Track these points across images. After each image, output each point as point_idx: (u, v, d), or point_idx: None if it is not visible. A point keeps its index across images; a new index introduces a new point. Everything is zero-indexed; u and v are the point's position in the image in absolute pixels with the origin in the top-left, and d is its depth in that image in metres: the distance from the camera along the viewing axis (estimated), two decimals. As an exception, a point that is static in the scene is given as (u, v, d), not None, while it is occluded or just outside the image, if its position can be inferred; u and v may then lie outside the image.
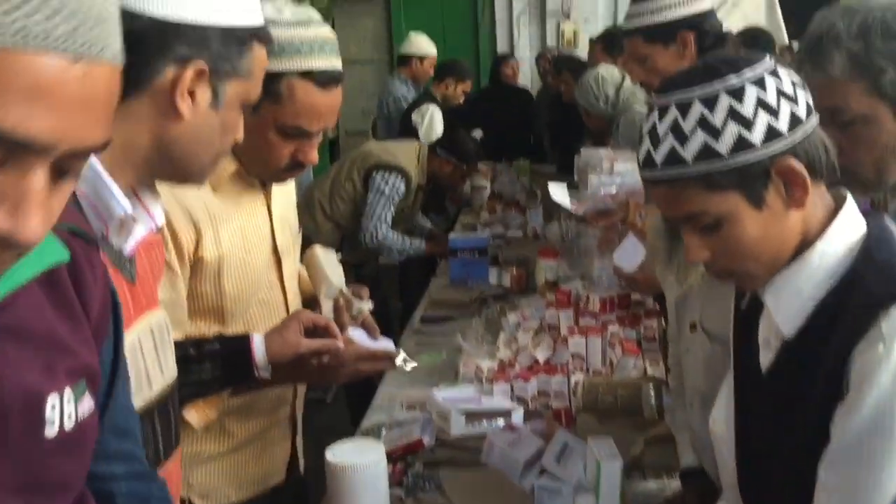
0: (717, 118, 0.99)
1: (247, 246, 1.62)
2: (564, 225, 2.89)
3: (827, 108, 1.19)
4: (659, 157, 1.02)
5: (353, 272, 3.91)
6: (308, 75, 1.46)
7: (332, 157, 6.73)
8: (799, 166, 1.00)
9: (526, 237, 4.02)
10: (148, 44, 0.97)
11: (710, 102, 1.00)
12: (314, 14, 1.57)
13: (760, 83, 1.00)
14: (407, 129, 5.16)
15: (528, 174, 5.47)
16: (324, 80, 1.49)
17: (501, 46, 7.53)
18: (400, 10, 7.73)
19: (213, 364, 1.46)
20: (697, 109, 1.00)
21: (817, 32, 1.25)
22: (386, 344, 1.77)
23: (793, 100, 1.01)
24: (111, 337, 0.85)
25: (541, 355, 2.19)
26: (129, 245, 1.01)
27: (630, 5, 2.15)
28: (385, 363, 1.73)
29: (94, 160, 0.97)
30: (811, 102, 1.03)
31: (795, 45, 6.39)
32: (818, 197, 1.04)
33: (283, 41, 1.43)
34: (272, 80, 1.36)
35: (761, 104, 0.99)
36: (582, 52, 7.18)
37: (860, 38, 1.21)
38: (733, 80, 0.99)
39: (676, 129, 1.01)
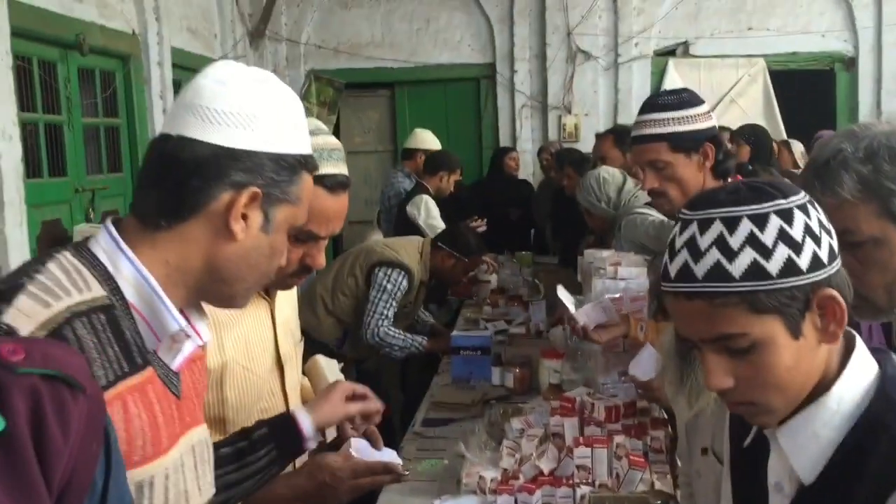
0: (768, 238, 0.97)
1: (250, 354, 1.62)
2: (569, 328, 2.87)
3: (838, 231, 1.18)
4: (701, 270, 0.98)
5: (355, 367, 3.87)
6: (319, 180, 1.47)
7: (335, 247, 6.76)
8: (841, 300, 0.98)
9: (528, 334, 3.99)
10: (207, 169, 1.03)
11: (761, 221, 0.97)
12: (321, 124, 1.62)
13: (805, 210, 0.99)
14: (403, 222, 5.20)
15: (531, 266, 5.48)
16: (333, 184, 1.53)
17: (504, 138, 7.64)
18: (404, 102, 7.88)
19: (268, 448, 1.50)
20: (747, 227, 0.97)
21: (824, 156, 1.26)
22: (389, 455, 1.74)
23: (829, 233, 1.00)
24: (97, 488, 0.79)
25: (545, 466, 2.13)
26: (178, 360, 1.07)
27: (648, 111, 2.16)
28: (386, 477, 1.70)
29: (150, 277, 1.03)
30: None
31: (794, 143, 6.48)
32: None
33: None
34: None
35: (808, 230, 0.97)
36: (583, 144, 7.29)
37: (868, 160, 1.21)
38: (782, 203, 0.98)
39: (723, 244, 0.97)
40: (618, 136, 4.39)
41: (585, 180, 3.65)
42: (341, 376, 1.82)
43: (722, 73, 7.43)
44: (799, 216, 0.98)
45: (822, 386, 1.01)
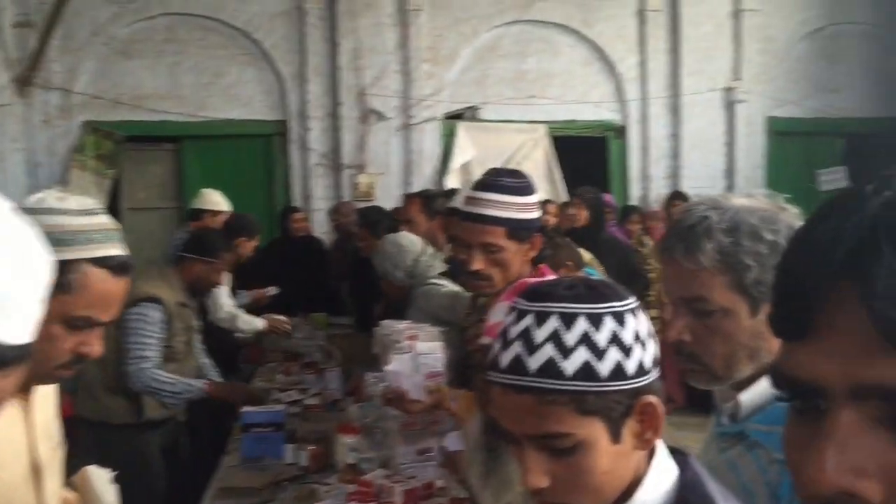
0: (602, 339, 0.96)
1: (0, 461, 1.40)
2: (366, 405, 2.78)
3: (692, 297, 1.25)
4: (534, 364, 0.96)
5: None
6: (102, 262, 1.38)
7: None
8: (661, 408, 0.99)
9: (324, 405, 3.84)
10: None
11: (597, 321, 0.97)
12: (96, 204, 1.47)
13: (635, 315, 1.00)
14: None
15: (326, 328, 5.35)
16: (117, 266, 1.40)
17: (296, 197, 7.51)
18: (192, 157, 7.54)
19: None
20: (582, 326, 0.97)
21: (689, 222, 1.27)
22: None
23: (653, 339, 1.01)
24: None
25: (342, 557, 2.02)
26: None
27: (490, 190, 2.07)
28: None
29: None
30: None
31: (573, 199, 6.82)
32: None
33: (73, 229, 1.36)
34: (61, 270, 1.23)
35: (637, 336, 0.98)
36: (379, 203, 7.31)
37: (731, 233, 1.24)
38: (617, 306, 0.98)
39: (558, 340, 0.96)
40: (426, 201, 4.38)
41: (383, 245, 3.57)
42: (112, 487, 1.61)
43: (508, 137, 7.77)
44: (630, 320, 0.98)
45: (627, 492, 1.00)
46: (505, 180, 2.09)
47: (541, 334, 0.97)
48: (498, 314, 1.91)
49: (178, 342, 3.52)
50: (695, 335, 1.21)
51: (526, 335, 0.98)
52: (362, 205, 6.95)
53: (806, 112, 8.15)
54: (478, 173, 7.60)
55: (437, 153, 7.67)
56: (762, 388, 1.26)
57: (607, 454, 0.97)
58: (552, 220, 6.55)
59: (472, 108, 7.79)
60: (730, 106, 7.95)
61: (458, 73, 7.70)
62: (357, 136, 7.49)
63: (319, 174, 7.53)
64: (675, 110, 7.90)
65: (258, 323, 4.66)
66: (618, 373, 0.96)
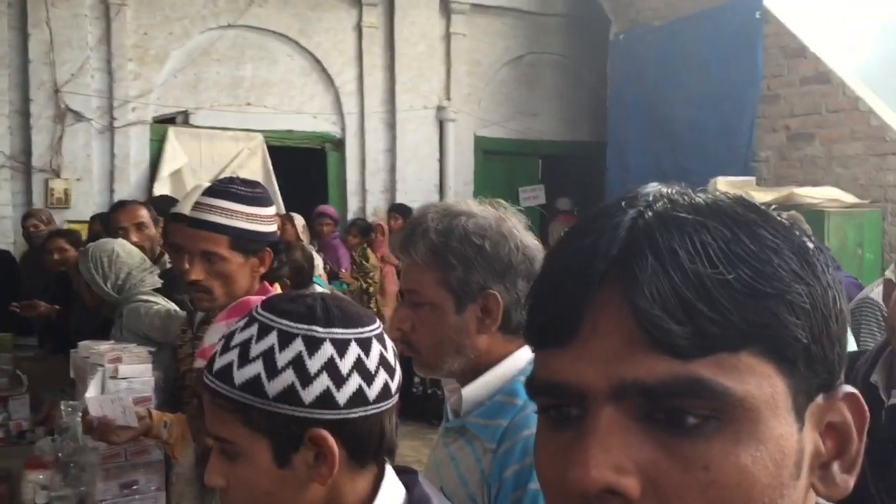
0: (281, 358, 0.95)
1: None
2: (59, 437, 2.45)
3: (408, 289, 1.37)
4: (216, 367, 0.98)
5: None
6: None
7: None
8: (333, 446, 0.96)
9: (7, 438, 3.39)
10: None
11: (285, 340, 0.96)
12: None
13: (342, 346, 0.97)
14: None
15: (11, 351, 4.74)
16: None
17: (-24, 203, 6.63)
18: None
19: None
20: (271, 340, 0.96)
21: (413, 221, 1.38)
22: None
23: (368, 378, 0.98)
24: None
25: None
26: None
27: (217, 196, 1.92)
28: None
29: None
30: (394, 387, 1.02)
31: (296, 217, 6.72)
32: (357, 478, 1.01)
33: None
34: None
35: (328, 367, 0.95)
36: (75, 212, 6.68)
37: (443, 235, 1.33)
38: (317, 332, 0.96)
39: (244, 347, 0.96)
40: (146, 207, 3.90)
41: (94, 250, 3.11)
42: None
43: (223, 145, 7.47)
44: (327, 349, 0.96)
45: None
46: (237, 188, 1.94)
47: (239, 338, 0.98)
48: (213, 336, 1.77)
49: None
50: (412, 325, 1.33)
51: (230, 336, 1.00)
52: (57, 212, 6.33)
53: (509, 133, 8.74)
54: (190, 182, 7.29)
55: (145, 159, 7.18)
56: (482, 384, 1.36)
57: (268, 476, 0.96)
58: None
59: (184, 113, 7.40)
60: (441, 124, 8.30)
61: (168, 76, 7.27)
62: (51, 138, 6.78)
63: (5, 178, 6.70)
64: (391, 125, 8.09)
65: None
66: (287, 395, 0.94)
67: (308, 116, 7.85)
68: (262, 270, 1.95)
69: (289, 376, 0.94)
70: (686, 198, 0.56)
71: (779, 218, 0.56)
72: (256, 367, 0.94)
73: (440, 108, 8.28)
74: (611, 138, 8.11)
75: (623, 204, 0.56)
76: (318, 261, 6.18)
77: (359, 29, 7.88)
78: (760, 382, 0.51)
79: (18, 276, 5.76)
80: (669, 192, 0.57)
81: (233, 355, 0.96)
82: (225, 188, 1.95)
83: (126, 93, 7.03)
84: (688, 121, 6.99)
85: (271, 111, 7.67)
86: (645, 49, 7.48)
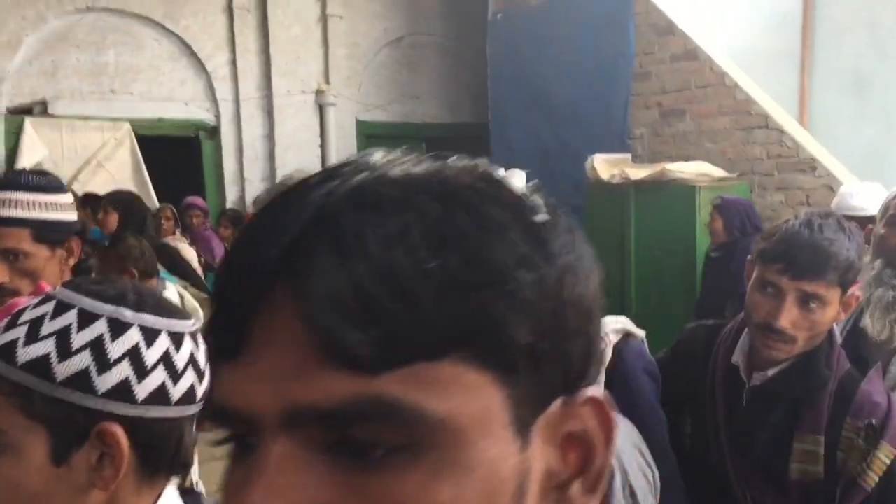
0: (78, 339, 0.81)
1: None
2: None
3: None
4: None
5: None
6: None
7: None
8: (124, 445, 0.83)
9: None
10: None
11: (86, 320, 0.82)
12: None
13: (151, 336, 0.84)
14: None
15: None
16: None
17: None
18: None
19: None
20: (69, 318, 0.82)
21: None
22: None
23: (175, 375, 0.86)
24: None
25: None
26: None
27: (9, 188, 1.75)
28: None
29: None
30: (200, 393, 0.89)
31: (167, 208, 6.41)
32: (143, 490, 0.87)
33: None
34: None
35: (132, 355, 0.82)
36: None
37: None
38: (124, 315, 0.83)
39: (35, 324, 0.83)
40: None
41: None
42: None
43: (86, 136, 7.06)
44: (133, 334, 0.83)
45: None
46: (28, 178, 1.79)
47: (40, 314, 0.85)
48: None
49: None
50: None
51: (20, 317, 0.85)
52: None
53: (392, 116, 8.61)
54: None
55: (0, 153, 6.71)
56: None
57: (40, 474, 0.81)
58: (169, 226, 6.07)
59: (42, 103, 6.95)
60: (321, 109, 8.09)
61: (23, 62, 6.80)
62: None
63: None
64: (268, 111, 7.83)
65: None
66: (79, 381, 0.81)
67: (179, 103, 7.51)
68: (72, 262, 1.80)
69: (83, 359, 0.81)
70: (401, 167, 0.45)
71: (514, 191, 0.46)
72: (46, 346, 0.81)
73: (319, 93, 8.07)
74: (493, 118, 8.10)
75: (325, 175, 0.45)
76: (192, 253, 5.93)
77: (230, 11, 7.57)
78: (468, 397, 0.40)
79: None
80: (384, 160, 0.46)
81: (19, 332, 0.82)
82: (16, 179, 1.78)
83: (-25, 82, 6.55)
84: (566, 98, 7.03)
85: (139, 98, 7.30)
86: (522, 28, 7.48)
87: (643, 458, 1.40)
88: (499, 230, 0.42)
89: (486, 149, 8.13)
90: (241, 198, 7.74)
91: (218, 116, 7.67)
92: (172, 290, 2.81)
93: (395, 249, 0.40)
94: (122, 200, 5.74)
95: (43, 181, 1.78)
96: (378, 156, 0.47)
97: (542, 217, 0.45)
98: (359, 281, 0.39)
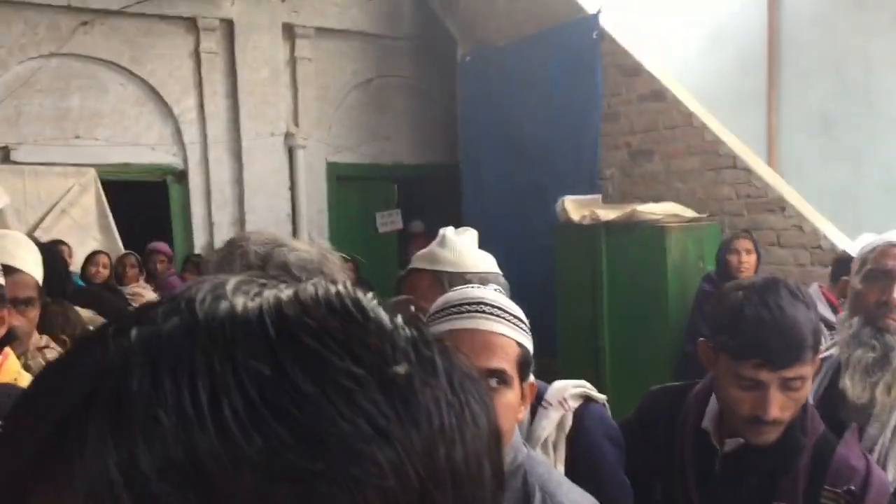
0: None
1: None
2: None
3: None
4: None
5: None
6: None
7: None
8: None
9: None
10: None
11: None
12: None
13: None
14: None
15: None
16: None
17: None
18: None
19: None
20: None
21: (233, 242, 1.44)
22: None
23: None
24: None
25: None
26: None
27: None
28: None
29: None
30: None
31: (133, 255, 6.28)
32: None
33: None
34: None
35: None
36: None
37: (261, 259, 1.38)
38: None
39: None
40: None
41: None
42: None
43: (51, 182, 6.94)
44: None
45: None
46: None
47: None
48: None
49: None
50: None
51: None
52: None
53: (362, 158, 8.56)
54: (14, 224, 6.71)
55: (-41, 201, 6.56)
56: None
57: None
58: (104, 273, 5.98)
59: (5, 149, 6.82)
60: (291, 151, 8.02)
61: (-16, 109, 6.70)
62: None
63: None
64: (237, 155, 7.75)
65: None
66: None
67: (146, 148, 7.41)
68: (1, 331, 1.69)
69: None
70: (232, 302, 0.36)
71: (380, 327, 0.38)
72: None
73: (289, 135, 8.00)
74: (464, 158, 8.07)
75: (136, 316, 0.37)
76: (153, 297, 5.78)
77: (196, 55, 7.52)
78: None
79: None
80: (218, 290, 0.37)
81: None
82: None
83: (-66, 129, 6.42)
84: (536, 139, 7.01)
85: (104, 144, 7.19)
86: (491, 69, 7.49)
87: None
88: (345, 392, 0.34)
89: (457, 189, 8.09)
90: (210, 243, 7.61)
91: (186, 160, 7.58)
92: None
93: (195, 428, 0.31)
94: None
95: None
96: (215, 285, 0.38)
97: (402, 368, 0.36)
98: (141, 472, 0.31)
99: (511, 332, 1.29)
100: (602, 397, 1.69)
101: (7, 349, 1.77)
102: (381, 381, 0.35)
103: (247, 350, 0.34)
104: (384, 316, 0.39)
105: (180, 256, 7.25)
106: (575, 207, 5.74)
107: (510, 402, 1.26)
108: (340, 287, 0.39)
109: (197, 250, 7.45)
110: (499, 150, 7.51)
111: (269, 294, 0.37)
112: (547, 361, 5.88)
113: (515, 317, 1.31)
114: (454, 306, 1.32)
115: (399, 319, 0.39)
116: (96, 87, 7.17)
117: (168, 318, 0.35)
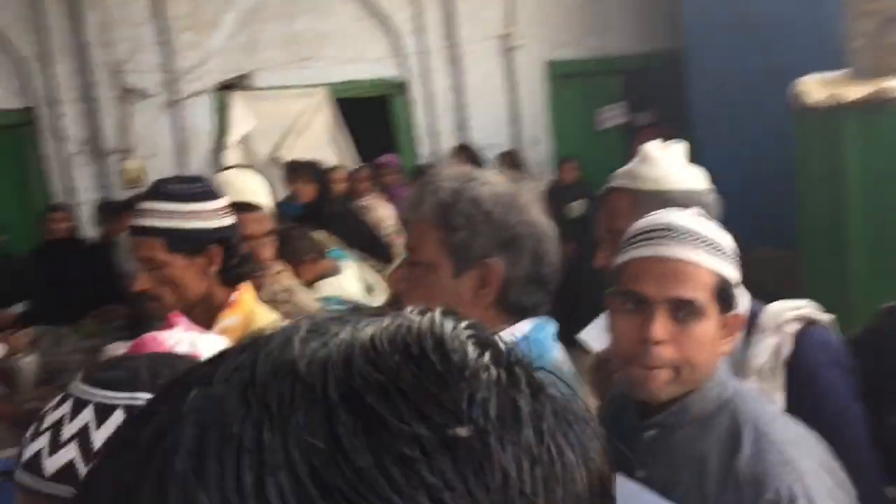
0: (97, 439, 0.80)
1: None
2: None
3: (408, 247, 1.36)
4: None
5: None
6: None
7: None
8: None
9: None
10: None
11: (102, 415, 0.81)
12: None
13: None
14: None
15: (100, 335, 4.87)
16: None
17: (58, 192, 6.80)
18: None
19: None
20: (89, 413, 0.82)
21: (427, 179, 1.38)
22: None
23: None
24: None
25: None
26: None
27: (152, 198, 1.82)
28: None
29: None
30: None
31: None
32: None
33: None
34: None
35: None
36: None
37: (453, 195, 1.30)
38: (142, 400, 0.82)
39: (56, 431, 0.82)
40: None
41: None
42: None
43: (287, 104, 7.39)
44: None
45: None
46: (170, 187, 1.83)
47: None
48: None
49: None
50: (406, 284, 1.33)
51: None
52: (132, 192, 6.41)
53: (583, 53, 8.28)
54: (260, 146, 7.24)
55: (210, 129, 7.19)
56: None
57: None
58: (340, 188, 6.30)
59: (245, 77, 7.33)
60: (508, 52, 7.93)
61: (224, 41, 7.19)
62: (118, 118, 6.86)
63: (81, 163, 6.84)
64: (454, 61, 7.79)
65: (-5, 351, 4.11)
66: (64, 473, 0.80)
67: (369, 63, 7.65)
68: (214, 269, 1.83)
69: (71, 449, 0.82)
70: (291, 352, 0.34)
71: (472, 361, 0.34)
72: (69, 452, 0.80)
73: (506, 37, 7.90)
74: (689, 44, 7.54)
75: (217, 364, 0.35)
76: (388, 212, 6.06)
77: (410, -36, 7.55)
78: None
79: (107, 259, 5.85)
80: (292, 333, 0.35)
81: (42, 442, 0.82)
82: (158, 189, 1.83)
83: (184, 64, 7.01)
84: (771, 14, 6.39)
85: (332, 63, 7.50)
86: (718, -58, 6.86)
87: (832, 479, 1.19)
88: (406, 462, 0.31)
89: (683, 78, 7.62)
90: (434, 152, 7.80)
91: (406, 72, 7.74)
92: (348, 276, 2.86)
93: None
94: (314, 170, 5.95)
95: (184, 191, 1.81)
96: (288, 331, 0.36)
97: (466, 431, 0.32)
98: None
99: (705, 258, 1.19)
100: (827, 317, 1.53)
101: (245, 284, 1.91)
102: (449, 444, 0.31)
103: (302, 419, 0.31)
104: (471, 354, 0.34)
105: (408, 168, 7.51)
106: (816, 87, 5.20)
107: (703, 336, 1.17)
108: (426, 322, 0.35)
109: (421, 160, 7.67)
110: (728, 30, 6.93)
111: (343, 338, 0.34)
112: (785, 253, 5.51)
113: (713, 242, 1.21)
114: (643, 232, 1.24)
115: (486, 358, 0.35)
116: (320, 8, 7.44)
117: (229, 376, 0.34)
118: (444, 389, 0.33)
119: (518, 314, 1.32)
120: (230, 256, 1.83)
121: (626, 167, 1.68)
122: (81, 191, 6.82)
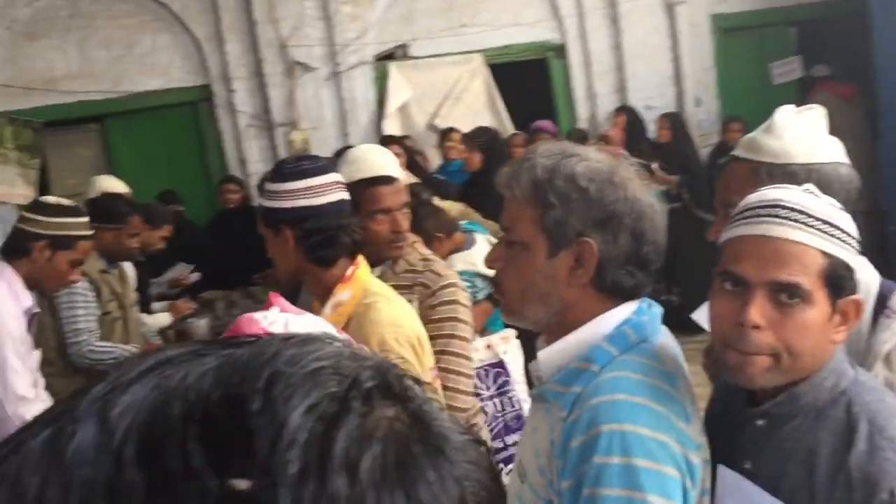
0: None
1: None
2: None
3: (503, 226, 1.33)
4: None
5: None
6: None
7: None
8: None
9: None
10: None
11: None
12: None
13: None
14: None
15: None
16: None
17: (233, 164, 7.24)
18: (118, 135, 7.25)
19: None
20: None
21: (523, 156, 1.34)
22: None
23: None
24: None
25: None
26: None
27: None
28: None
29: None
30: None
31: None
32: None
33: None
34: None
35: None
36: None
37: (549, 172, 1.27)
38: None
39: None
40: None
41: None
42: None
43: (444, 72, 7.45)
44: None
45: None
46: (277, 167, 2.00)
47: None
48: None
49: (112, 308, 3.57)
50: (502, 264, 1.31)
51: None
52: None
53: (752, 4, 7.78)
54: (417, 115, 7.35)
55: (370, 99, 7.38)
56: (560, 349, 1.26)
57: None
58: (455, 154, 6.23)
59: (402, 47, 7.45)
60: (670, 8, 7.58)
61: (382, 12, 7.33)
62: (285, 92, 7.18)
63: (252, 136, 7.24)
64: (613, 20, 7.54)
65: (162, 319, 4.42)
66: None
67: (525, 27, 7.56)
68: (290, 247, 1.88)
69: None
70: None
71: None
72: None
73: (667, -9, 7.55)
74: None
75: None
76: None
77: (567, -78, 7.35)
78: None
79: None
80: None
81: None
82: (274, 168, 2.00)
83: (345, 36, 7.21)
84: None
85: (487, 28, 7.47)
86: None
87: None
88: None
89: (867, 27, 6.99)
90: (593, 115, 7.63)
91: (564, 34, 7.58)
92: (480, 250, 2.87)
93: None
94: (483, 138, 5.94)
95: (278, 169, 1.94)
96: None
97: (245, 483, 0.31)
98: None
99: (814, 239, 1.10)
100: None
101: (360, 258, 1.95)
102: (230, 498, 0.31)
103: (88, 474, 0.31)
104: (297, 395, 0.33)
105: (565, 131, 7.38)
106: None
107: (807, 323, 1.08)
108: (266, 357, 0.34)
109: (581, 124, 7.52)
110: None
111: (173, 379, 0.34)
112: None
113: (826, 221, 1.11)
114: (749, 209, 1.16)
115: (314, 398, 0.33)
116: (475, -26, 7.42)
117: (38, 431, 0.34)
118: (251, 437, 0.32)
119: (617, 295, 1.27)
120: (308, 235, 1.84)
121: (750, 135, 1.57)
122: (252, 162, 7.22)
